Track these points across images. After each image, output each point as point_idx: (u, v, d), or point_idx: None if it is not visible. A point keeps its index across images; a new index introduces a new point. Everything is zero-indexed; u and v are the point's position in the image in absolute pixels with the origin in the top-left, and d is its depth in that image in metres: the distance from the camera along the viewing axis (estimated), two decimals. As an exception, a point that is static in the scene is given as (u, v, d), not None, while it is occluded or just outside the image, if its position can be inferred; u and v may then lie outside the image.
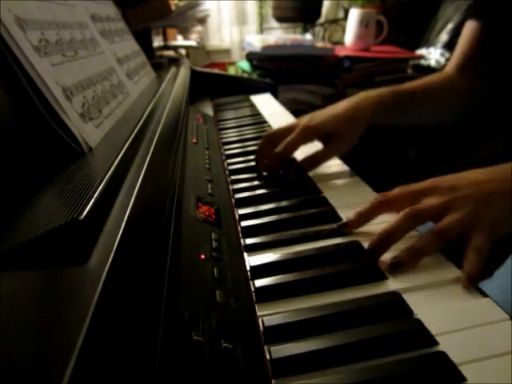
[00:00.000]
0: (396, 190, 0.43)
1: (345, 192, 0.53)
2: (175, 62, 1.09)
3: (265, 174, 0.60)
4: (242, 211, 0.49)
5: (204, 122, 0.84)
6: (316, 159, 0.59)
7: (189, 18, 1.24)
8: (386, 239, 0.39)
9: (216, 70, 1.50)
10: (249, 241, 0.43)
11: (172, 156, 0.48)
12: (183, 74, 0.93)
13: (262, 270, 0.38)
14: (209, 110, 1.01)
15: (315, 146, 0.60)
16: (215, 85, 1.18)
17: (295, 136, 0.58)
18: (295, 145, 0.58)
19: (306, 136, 0.58)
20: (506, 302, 0.33)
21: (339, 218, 0.46)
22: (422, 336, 0.29)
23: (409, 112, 0.67)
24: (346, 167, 0.61)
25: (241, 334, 0.30)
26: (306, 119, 0.61)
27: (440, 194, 0.40)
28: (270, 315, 0.33)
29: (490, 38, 0.64)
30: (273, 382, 0.27)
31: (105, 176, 0.29)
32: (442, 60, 1.55)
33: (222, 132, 0.84)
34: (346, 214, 0.46)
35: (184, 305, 0.29)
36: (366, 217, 0.43)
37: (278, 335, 0.31)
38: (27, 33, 0.34)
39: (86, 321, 0.17)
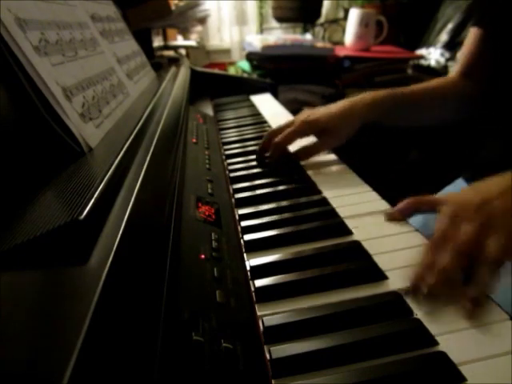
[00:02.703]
0: (438, 231, 0.37)
1: (345, 192, 0.53)
2: (175, 61, 1.09)
3: (260, 168, 0.63)
4: (241, 211, 0.49)
5: (204, 122, 0.84)
6: (308, 150, 0.63)
7: (189, 18, 1.24)
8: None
9: (216, 70, 1.50)
10: (249, 240, 0.43)
11: (172, 156, 0.48)
12: (183, 74, 0.93)
13: (261, 270, 0.38)
14: (209, 110, 1.01)
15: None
16: (215, 85, 1.18)
17: (293, 129, 0.63)
18: (291, 136, 0.62)
19: (302, 130, 0.63)
20: (506, 302, 0.33)
21: (339, 218, 0.46)
22: (422, 336, 0.29)
23: (407, 113, 0.68)
24: (347, 168, 0.62)
25: (241, 333, 0.30)
26: (304, 115, 0.65)
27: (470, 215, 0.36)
28: (269, 315, 0.33)
29: (491, 45, 0.66)
30: (273, 382, 0.27)
31: (105, 176, 0.29)
32: (442, 60, 1.55)
33: (222, 132, 0.84)
34: (346, 214, 0.46)
35: (184, 305, 0.29)
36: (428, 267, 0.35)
37: (277, 335, 0.31)
38: (27, 33, 0.34)
39: (86, 321, 0.17)
